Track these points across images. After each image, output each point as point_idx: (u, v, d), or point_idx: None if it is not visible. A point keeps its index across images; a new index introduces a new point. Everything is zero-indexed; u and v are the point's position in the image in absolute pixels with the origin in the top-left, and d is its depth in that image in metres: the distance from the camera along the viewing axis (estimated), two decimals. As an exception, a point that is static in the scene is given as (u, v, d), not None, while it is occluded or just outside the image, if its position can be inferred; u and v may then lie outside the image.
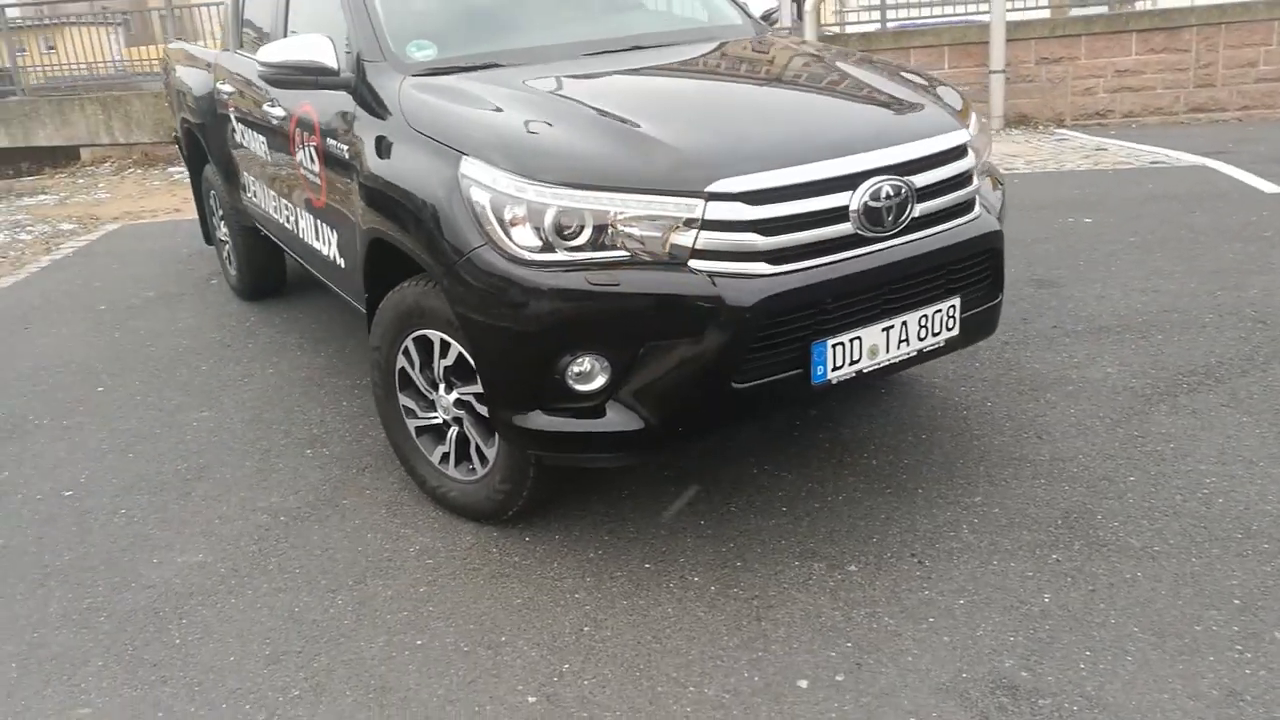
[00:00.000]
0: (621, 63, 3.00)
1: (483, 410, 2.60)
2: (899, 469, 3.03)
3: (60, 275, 6.13)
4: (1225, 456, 2.96)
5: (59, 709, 2.24)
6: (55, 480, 3.32)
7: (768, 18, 3.76)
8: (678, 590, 2.51)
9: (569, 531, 2.79)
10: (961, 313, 2.60)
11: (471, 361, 2.53)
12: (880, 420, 3.34)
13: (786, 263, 2.28)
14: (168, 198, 8.58)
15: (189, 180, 5.76)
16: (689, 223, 2.25)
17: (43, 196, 9.24)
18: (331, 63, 2.94)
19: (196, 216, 5.65)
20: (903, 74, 2.96)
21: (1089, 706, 2.05)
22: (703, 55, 3.16)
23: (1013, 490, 2.87)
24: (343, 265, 3.31)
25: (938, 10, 11.45)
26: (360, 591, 2.59)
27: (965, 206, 2.58)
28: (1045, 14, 10.76)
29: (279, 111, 3.60)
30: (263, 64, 2.99)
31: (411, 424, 2.90)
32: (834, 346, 2.37)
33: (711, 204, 2.24)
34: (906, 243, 2.44)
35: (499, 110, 2.56)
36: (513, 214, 2.29)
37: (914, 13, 11.85)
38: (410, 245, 2.59)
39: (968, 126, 2.69)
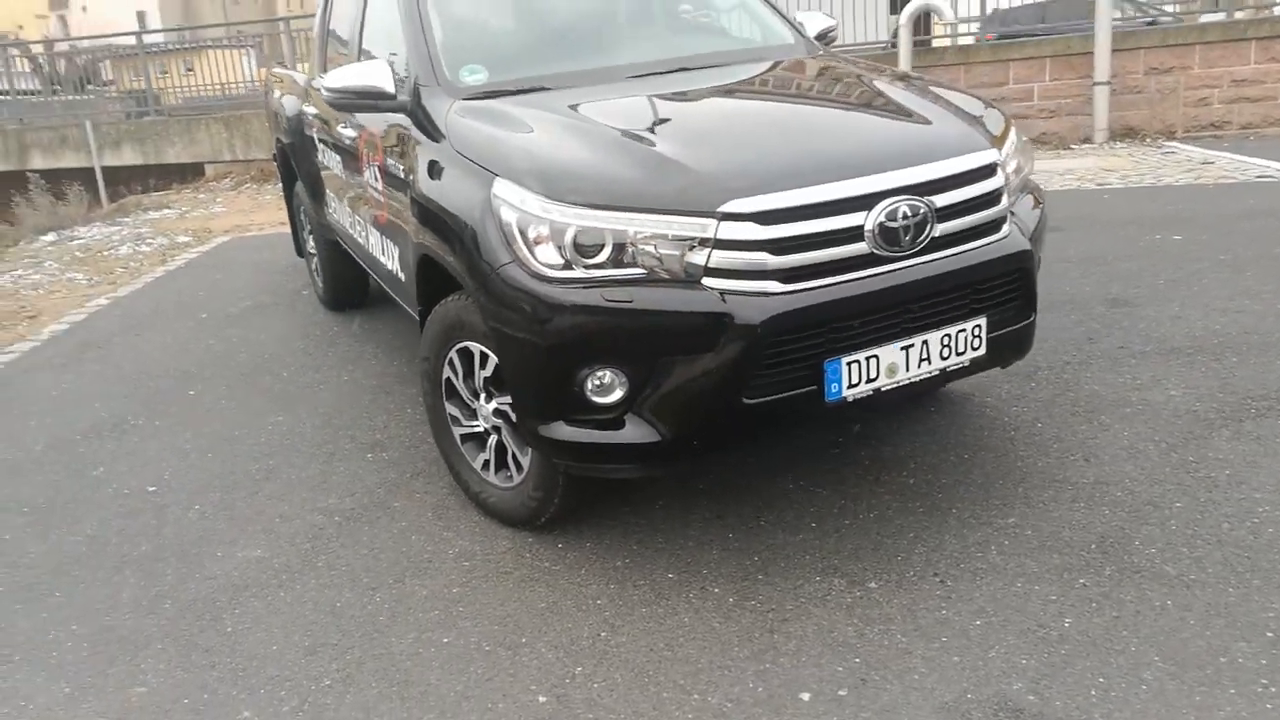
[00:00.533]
0: (662, 86, 3.09)
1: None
2: (935, 488, 3.01)
3: (171, 285, 6.57)
4: (1282, 485, 2.85)
5: (118, 686, 2.45)
6: (142, 477, 3.59)
7: (824, 36, 3.78)
8: (696, 600, 2.57)
9: (600, 539, 2.88)
10: (989, 332, 2.58)
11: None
12: (924, 439, 3.33)
13: (798, 281, 2.32)
14: (275, 212, 9.04)
15: (286, 196, 6.11)
16: (703, 242, 2.32)
17: (166, 211, 9.88)
18: (389, 87, 3.11)
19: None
20: (941, 93, 2.96)
21: (1092, 734, 2.03)
22: (744, 77, 3.22)
23: (1049, 513, 2.83)
24: (402, 279, 3.49)
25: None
26: (398, 590, 2.73)
27: (992, 226, 2.57)
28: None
29: (350, 132, 3.81)
30: (327, 89, 3.19)
31: (457, 431, 3.04)
32: (849, 364, 2.39)
33: (724, 224, 2.30)
34: (926, 262, 2.45)
35: (531, 133, 2.68)
36: (537, 232, 2.40)
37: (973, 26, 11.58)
38: (451, 261, 2.74)
39: (1000, 146, 2.67)
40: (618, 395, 2.42)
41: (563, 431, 2.50)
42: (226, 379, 4.52)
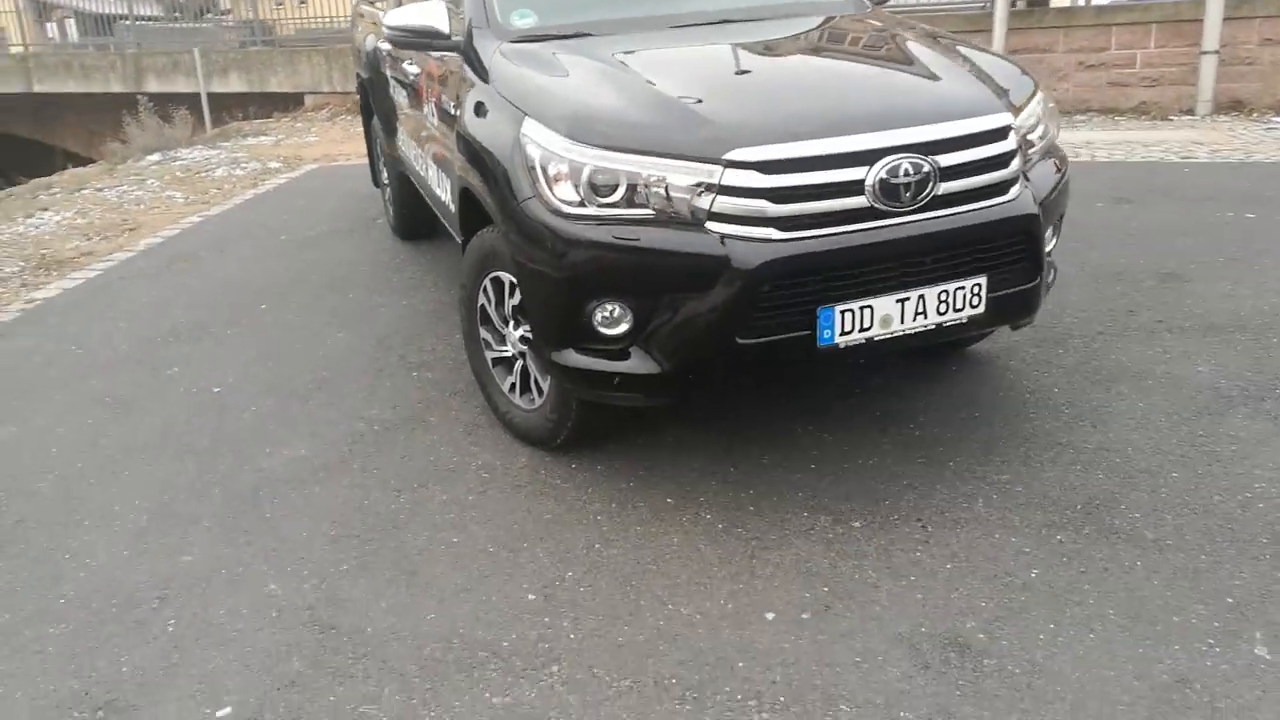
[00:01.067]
0: (700, 37, 3.21)
1: (539, 345, 2.92)
2: (939, 442, 3.12)
3: (259, 208, 6.95)
4: (1284, 464, 2.88)
5: (169, 554, 2.76)
6: (210, 378, 3.92)
7: (879, -9, 3.82)
8: (689, 525, 2.75)
9: (611, 463, 3.08)
10: (990, 292, 2.66)
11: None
12: (940, 396, 3.42)
13: (796, 230, 2.44)
14: (362, 143, 9.35)
15: (370, 128, 6.37)
16: (709, 187, 2.46)
17: (263, 137, 10.32)
18: (444, 27, 3.29)
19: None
20: (969, 55, 3.00)
21: (1030, 672, 2.15)
22: (781, 32, 3.31)
23: (1044, 473, 2.91)
24: (452, 210, 3.70)
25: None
26: (421, 494, 2.98)
27: (999, 188, 2.64)
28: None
29: (415, 69, 4.02)
30: (388, 28, 3.39)
31: (488, 355, 3.26)
32: (842, 312, 2.51)
33: (728, 171, 2.43)
34: (927, 219, 2.53)
35: (565, 77, 2.84)
36: (557, 170, 2.57)
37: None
38: (484, 194, 2.93)
39: (1019, 111, 2.73)
40: (624, 328, 2.59)
41: (573, 359, 2.69)
42: (296, 297, 4.83)
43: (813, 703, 2.10)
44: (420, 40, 3.36)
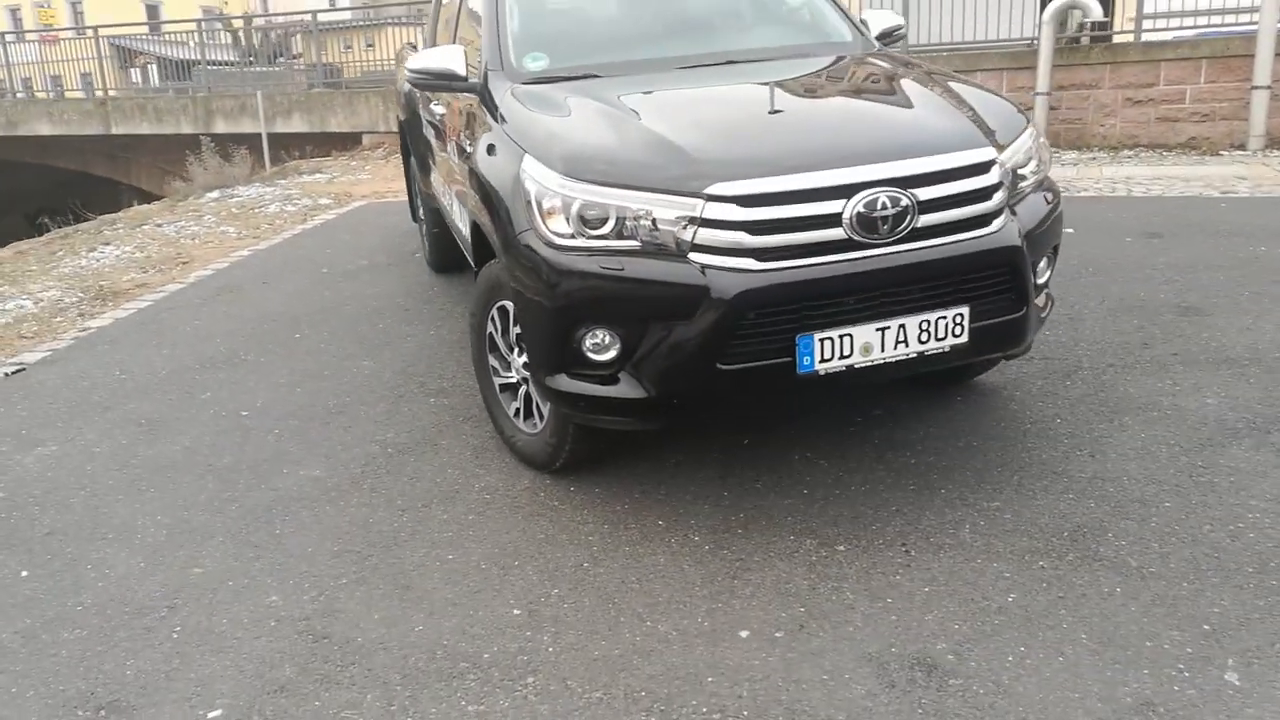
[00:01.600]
0: (702, 79, 3.33)
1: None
2: (933, 470, 3.15)
3: (305, 242, 7.23)
4: (1280, 496, 2.86)
5: (182, 566, 2.91)
6: (239, 402, 4.11)
7: (888, 35, 3.90)
8: (676, 545, 2.83)
9: (608, 486, 3.17)
10: (972, 321, 2.71)
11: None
12: (940, 425, 3.45)
13: (774, 260, 2.53)
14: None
15: (410, 166, 6.61)
16: (691, 220, 2.56)
17: (318, 175, 10.71)
18: (460, 70, 3.47)
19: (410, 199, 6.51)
20: (960, 92, 3.07)
21: (995, 692, 2.18)
22: (781, 73, 3.41)
23: (1034, 501, 2.93)
24: (469, 243, 3.86)
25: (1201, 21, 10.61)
26: (424, 513, 3.10)
27: (982, 220, 2.69)
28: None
29: (441, 110, 4.21)
30: (410, 70, 3.58)
31: (495, 381, 3.39)
32: (821, 340, 2.58)
33: (710, 204, 2.54)
34: (905, 251, 2.60)
35: (567, 116, 2.97)
36: (550, 204, 2.70)
37: (1171, 21, 11.01)
38: (490, 228, 3.07)
39: (1002, 145, 2.79)
40: (612, 354, 2.69)
41: (564, 383, 2.79)
42: (330, 326, 5.03)
43: (775, 717, 2.15)
44: (439, 82, 3.54)
